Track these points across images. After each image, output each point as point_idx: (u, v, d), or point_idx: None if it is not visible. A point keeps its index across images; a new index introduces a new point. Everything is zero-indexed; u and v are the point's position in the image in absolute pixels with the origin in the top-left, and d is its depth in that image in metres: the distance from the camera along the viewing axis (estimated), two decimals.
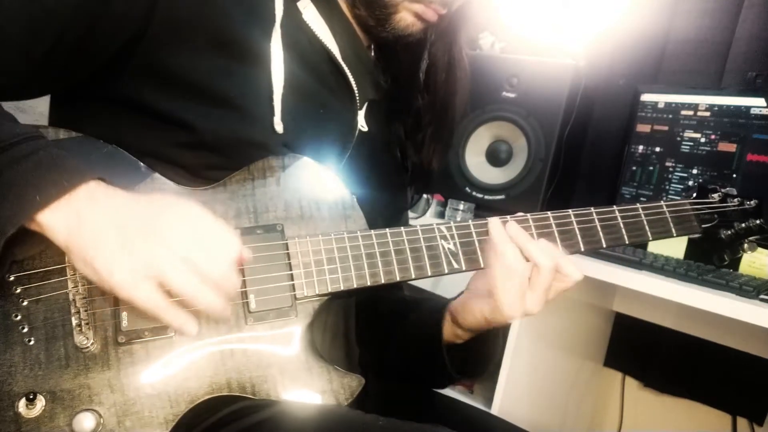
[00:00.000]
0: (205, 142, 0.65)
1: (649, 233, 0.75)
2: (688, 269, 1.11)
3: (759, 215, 0.81)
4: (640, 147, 1.48)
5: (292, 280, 0.65)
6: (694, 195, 0.81)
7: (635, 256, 1.18)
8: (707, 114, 1.38)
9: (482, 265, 0.70)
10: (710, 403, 1.59)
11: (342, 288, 0.66)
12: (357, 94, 0.78)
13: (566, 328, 1.50)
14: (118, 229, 0.53)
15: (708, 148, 1.38)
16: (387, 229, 0.68)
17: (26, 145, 0.54)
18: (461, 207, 1.55)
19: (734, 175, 1.33)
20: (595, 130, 1.70)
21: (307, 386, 0.64)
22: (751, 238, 0.81)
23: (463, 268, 0.70)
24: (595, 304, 1.62)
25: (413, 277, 0.68)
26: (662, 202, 0.77)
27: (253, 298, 0.63)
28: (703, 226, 0.78)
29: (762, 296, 1.02)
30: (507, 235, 0.69)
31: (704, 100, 1.39)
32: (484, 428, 0.79)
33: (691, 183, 1.40)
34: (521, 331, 1.29)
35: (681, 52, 1.59)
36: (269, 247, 0.65)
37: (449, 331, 0.77)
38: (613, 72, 1.67)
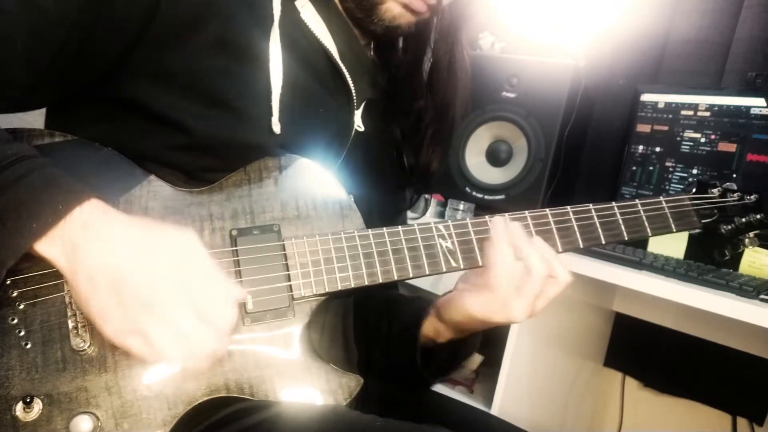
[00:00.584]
0: (202, 144, 0.65)
1: (648, 229, 0.75)
2: (688, 269, 1.10)
3: (759, 210, 0.80)
4: (640, 147, 1.48)
5: (290, 280, 0.65)
6: (694, 190, 0.81)
7: (635, 256, 1.17)
8: (707, 114, 1.38)
9: (480, 264, 0.70)
10: (710, 403, 1.59)
11: (339, 288, 0.66)
12: (354, 94, 0.77)
13: (566, 328, 1.50)
14: (110, 281, 0.52)
15: (708, 148, 1.38)
16: (384, 229, 0.68)
17: (19, 165, 0.52)
18: (461, 207, 1.55)
19: (734, 175, 1.33)
20: (595, 130, 1.70)
21: (306, 386, 0.64)
22: (751, 233, 0.80)
23: (461, 267, 0.70)
24: (595, 304, 1.62)
25: (411, 276, 0.68)
26: (661, 198, 0.76)
27: (250, 299, 0.63)
28: (702, 221, 0.78)
29: (762, 296, 1.02)
30: (507, 234, 0.68)
31: (704, 100, 1.39)
32: (484, 428, 0.79)
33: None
34: (521, 331, 1.29)
35: (681, 52, 1.58)
36: (266, 247, 0.65)
37: (430, 328, 0.74)
38: (613, 72, 1.67)
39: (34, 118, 0.71)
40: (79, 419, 0.56)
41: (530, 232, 0.71)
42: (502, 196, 1.52)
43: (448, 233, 0.70)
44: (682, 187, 1.41)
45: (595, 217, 0.73)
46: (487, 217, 0.72)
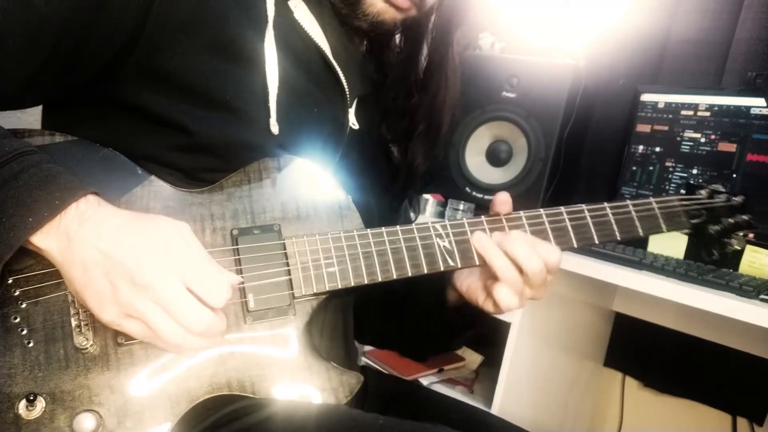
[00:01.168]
0: (201, 144, 0.65)
1: (639, 229, 0.76)
2: (688, 269, 1.11)
3: (746, 210, 0.82)
4: (640, 147, 1.49)
5: (290, 279, 0.65)
6: (683, 192, 0.82)
7: (635, 256, 1.18)
8: (707, 114, 1.38)
9: (477, 262, 0.71)
10: (710, 403, 1.59)
11: (339, 286, 0.66)
12: (348, 92, 0.78)
13: (566, 328, 1.50)
14: (105, 269, 0.52)
15: (708, 148, 1.38)
16: (383, 228, 0.69)
17: (16, 162, 0.53)
18: (461, 207, 1.55)
19: (734, 175, 1.33)
20: (595, 130, 1.70)
21: (307, 384, 0.64)
22: (739, 233, 0.81)
23: (459, 266, 0.71)
24: (595, 304, 1.62)
25: (410, 274, 0.69)
26: (651, 199, 0.78)
27: (251, 298, 0.64)
28: (691, 221, 0.79)
29: (762, 296, 1.02)
30: (493, 244, 0.70)
31: (704, 100, 1.39)
32: (484, 428, 0.79)
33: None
34: (521, 331, 1.29)
35: (681, 52, 1.59)
36: (267, 246, 0.65)
37: (452, 294, 0.80)
38: (613, 72, 1.67)
39: (35, 118, 0.71)
40: (82, 417, 0.57)
41: (525, 231, 0.72)
42: None
43: (446, 233, 0.71)
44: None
45: (588, 218, 0.74)
46: (483, 217, 0.73)
